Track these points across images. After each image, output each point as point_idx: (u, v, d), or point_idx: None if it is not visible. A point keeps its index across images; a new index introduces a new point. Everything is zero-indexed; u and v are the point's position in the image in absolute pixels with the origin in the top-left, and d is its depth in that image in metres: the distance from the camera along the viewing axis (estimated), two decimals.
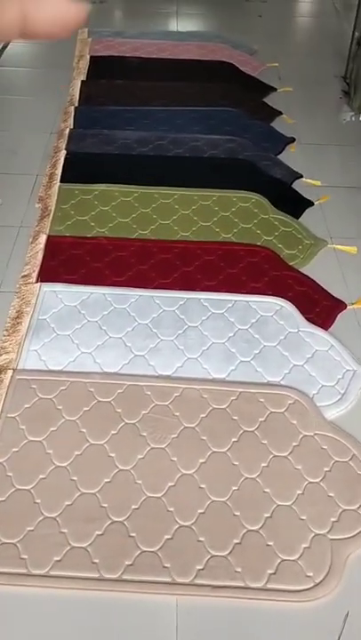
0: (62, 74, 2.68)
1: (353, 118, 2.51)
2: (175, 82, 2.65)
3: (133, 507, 1.19)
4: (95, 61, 2.79)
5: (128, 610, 1.08)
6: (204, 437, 1.31)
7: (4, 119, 2.40)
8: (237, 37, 3.08)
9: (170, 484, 1.23)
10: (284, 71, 2.79)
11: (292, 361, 1.49)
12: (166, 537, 1.15)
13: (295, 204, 1.99)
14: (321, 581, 1.11)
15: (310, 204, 1.99)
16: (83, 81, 2.61)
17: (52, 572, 1.10)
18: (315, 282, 1.70)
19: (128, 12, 3.54)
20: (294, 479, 1.24)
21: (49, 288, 1.64)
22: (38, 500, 1.19)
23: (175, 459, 1.27)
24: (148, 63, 2.81)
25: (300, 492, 1.23)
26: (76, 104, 2.45)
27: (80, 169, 2.08)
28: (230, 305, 1.61)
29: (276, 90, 2.64)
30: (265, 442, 1.31)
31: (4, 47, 2.90)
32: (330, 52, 3.00)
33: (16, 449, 1.27)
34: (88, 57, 2.82)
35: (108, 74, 2.69)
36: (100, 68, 2.74)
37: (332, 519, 1.19)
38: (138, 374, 1.44)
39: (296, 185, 2.08)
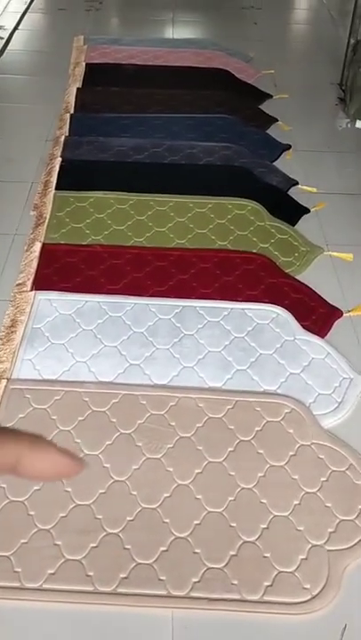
0: (58, 81, 2.68)
1: (349, 125, 2.51)
2: (171, 89, 2.65)
3: (128, 518, 1.18)
4: (91, 69, 2.79)
5: (123, 623, 1.06)
6: (200, 447, 1.30)
7: (0, 126, 2.40)
8: (233, 45, 3.08)
9: (165, 494, 1.22)
10: (280, 78, 2.79)
11: (289, 369, 1.48)
12: (162, 549, 1.14)
13: (291, 212, 1.98)
14: (318, 593, 1.09)
15: (306, 211, 1.99)
16: (78, 88, 2.61)
17: (45, 586, 1.09)
18: (311, 289, 1.69)
19: (124, 20, 3.55)
20: (291, 489, 1.23)
21: (44, 296, 1.63)
22: (32, 512, 1.18)
23: (171, 469, 1.26)
24: (143, 70, 2.81)
25: (296, 502, 1.21)
26: (72, 111, 2.45)
27: (75, 176, 2.08)
28: (226, 313, 1.60)
29: (271, 97, 2.64)
30: (261, 451, 1.29)
31: (0, 54, 2.90)
32: (325, 59, 3.00)
33: None
34: (84, 64, 2.82)
35: (103, 81, 2.69)
36: (96, 75, 2.74)
37: (330, 530, 1.17)
38: (133, 383, 1.43)
39: (292, 192, 2.08)
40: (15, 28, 3.18)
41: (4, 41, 3.02)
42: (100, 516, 1.18)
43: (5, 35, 3.09)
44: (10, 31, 3.13)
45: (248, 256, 1.78)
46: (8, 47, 2.99)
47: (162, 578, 1.10)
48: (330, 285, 1.72)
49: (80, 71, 2.76)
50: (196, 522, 1.17)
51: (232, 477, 1.25)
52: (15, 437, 0.36)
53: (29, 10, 3.41)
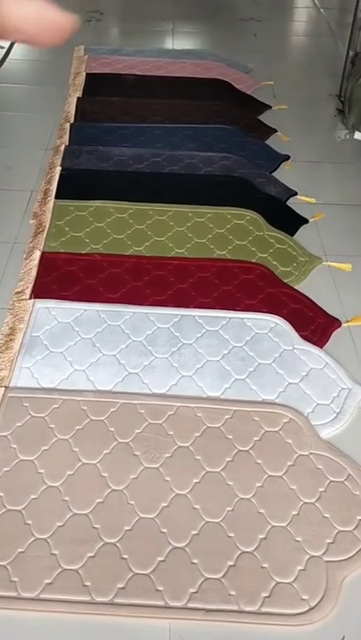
0: (58, 91, 2.69)
1: (347, 136, 2.52)
2: (171, 99, 2.66)
3: (126, 528, 1.17)
4: (91, 78, 2.80)
5: (120, 634, 1.05)
6: (198, 457, 1.29)
7: (0, 135, 2.41)
8: (232, 56, 3.10)
9: (163, 504, 1.21)
10: (279, 89, 2.81)
11: (287, 379, 1.48)
12: (159, 559, 1.13)
13: (290, 222, 1.99)
14: (316, 605, 1.09)
15: (305, 221, 1.99)
16: (79, 98, 2.63)
17: (42, 595, 1.08)
18: (310, 299, 1.69)
19: (124, 30, 3.57)
20: (289, 500, 1.23)
21: (42, 305, 1.63)
22: (29, 521, 1.17)
23: (169, 478, 1.25)
24: (143, 80, 2.83)
25: (295, 512, 1.21)
26: (72, 121, 2.46)
27: (75, 185, 2.08)
28: (225, 322, 1.61)
29: (270, 108, 2.66)
30: (260, 461, 1.29)
31: (0, 65, 2.92)
32: (324, 70, 3.03)
33: (7, 468, 1.26)
34: (84, 74, 2.83)
35: (103, 91, 2.70)
36: (96, 85, 2.76)
37: (328, 541, 1.17)
38: (131, 392, 1.43)
39: (291, 202, 2.08)
40: None
41: (4, 50, 3.04)
42: (97, 526, 1.17)
43: (6, 44, 3.11)
44: (11, 41, 3.15)
45: (247, 266, 1.78)
46: (9, 57, 3.01)
47: (159, 588, 1.09)
48: (328, 295, 1.72)
49: (80, 81, 2.77)
50: (193, 532, 1.17)
51: (230, 487, 1.24)
52: None
53: None
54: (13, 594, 1.08)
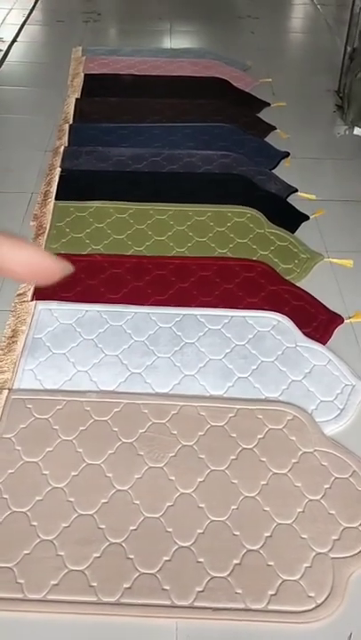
0: (57, 92, 2.69)
1: (347, 132, 2.52)
2: (169, 98, 2.66)
3: (131, 528, 1.17)
4: (90, 79, 2.81)
5: (127, 634, 1.05)
6: (203, 456, 1.29)
7: (0, 137, 2.41)
8: (230, 54, 3.10)
9: (168, 503, 1.21)
10: (278, 86, 2.81)
11: (291, 376, 1.48)
12: (165, 558, 1.13)
13: (291, 219, 1.99)
14: (323, 602, 1.08)
15: (306, 218, 1.99)
16: (77, 99, 2.63)
17: (49, 597, 1.08)
18: (311, 296, 1.69)
19: (122, 31, 3.57)
20: (294, 497, 1.23)
21: (44, 306, 1.63)
22: (35, 523, 1.17)
23: (173, 478, 1.25)
24: (142, 80, 2.83)
25: (300, 510, 1.21)
26: (71, 122, 2.46)
27: (75, 186, 2.08)
28: (227, 321, 1.60)
29: (269, 105, 2.65)
30: (264, 459, 1.29)
31: None
32: (323, 66, 3.02)
33: (12, 470, 1.26)
34: (82, 75, 2.83)
35: (102, 91, 2.70)
36: (95, 85, 2.76)
37: (334, 537, 1.17)
38: (135, 392, 1.43)
39: (291, 199, 2.08)
40: (14, 40, 3.20)
41: (2, 53, 3.04)
42: (102, 526, 1.17)
43: (4, 47, 3.11)
44: (9, 43, 3.16)
45: (248, 263, 1.78)
46: (7, 59, 3.01)
47: (165, 587, 1.09)
48: (330, 292, 1.72)
49: (79, 82, 2.77)
50: (199, 531, 1.17)
51: (235, 486, 1.24)
52: None
53: (28, 22, 3.44)
54: (20, 595, 1.08)
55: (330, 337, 1.58)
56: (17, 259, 0.35)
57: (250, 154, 2.28)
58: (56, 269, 0.37)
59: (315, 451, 1.31)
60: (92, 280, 1.72)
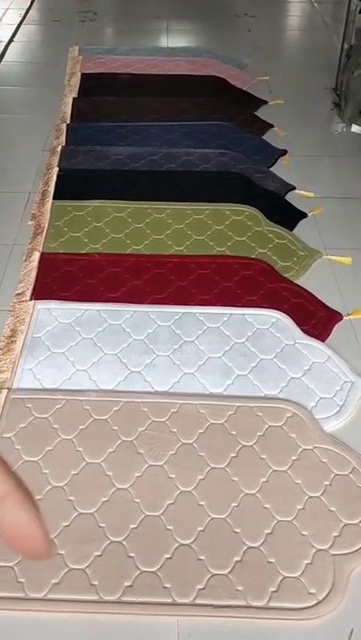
0: (54, 91, 2.69)
1: (344, 130, 2.52)
2: (166, 97, 2.66)
3: (132, 526, 1.17)
4: (86, 78, 2.80)
5: (128, 632, 1.06)
6: (203, 453, 1.29)
7: None
8: (227, 52, 3.10)
9: (169, 501, 1.21)
10: (275, 84, 2.81)
11: (290, 373, 1.48)
12: (166, 556, 1.13)
13: (289, 216, 1.99)
14: (324, 598, 1.08)
15: (304, 215, 1.99)
16: (74, 98, 2.63)
17: (50, 596, 1.08)
18: (310, 293, 1.69)
19: (118, 30, 3.57)
20: (294, 494, 1.23)
21: (43, 306, 1.63)
22: None
23: (173, 476, 1.25)
24: (139, 79, 2.82)
25: (300, 506, 1.21)
26: (68, 121, 2.46)
27: (73, 186, 2.08)
28: (226, 319, 1.60)
29: (267, 103, 2.65)
30: (264, 456, 1.29)
31: None
32: (320, 64, 3.02)
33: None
34: (79, 74, 2.83)
35: (99, 90, 2.70)
36: (92, 84, 2.76)
37: (334, 534, 1.17)
38: (134, 391, 1.43)
39: (289, 197, 2.08)
40: (10, 40, 3.20)
41: None
42: (103, 525, 1.17)
43: (1, 46, 3.11)
44: (5, 43, 3.15)
45: (247, 261, 1.78)
46: (4, 59, 3.01)
47: (166, 585, 1.09)
48: (329, 289, 1.72)
49: (76, 81, 2.77)
50: (199, 528, 1.17)
51: (235, 483, 1.24)
52: (8, 475, 0.34)
53: (24, 22, 3.44)
54: (21, 595, 1.08)
55: (329, 334, 1.59)
56: (11, 522, 0.34)
57: (248, 152, 2.28)
58: (39, 549, 0.35)
59: (315, 448, 1.31)
60: (91, 279, 1.72)
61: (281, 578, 1.11)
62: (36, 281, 1.70)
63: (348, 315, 1.63)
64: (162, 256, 1.80)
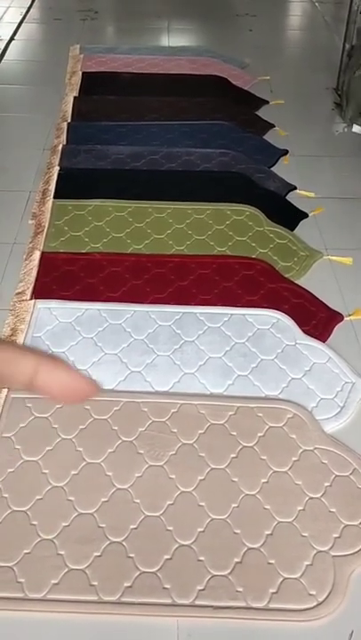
0: (55, 90, 2.69)
1: (345, 129, 2.52)
2: (167, 96, 2.66)
3: (132, 526, 1.17)
4: (87, 77, 2.80)
5: (128, 633, 1.05)
6: (203, 454, 1.29)
7: None
8: (228, 52, 3.10)
9: (168, 502, 1.21)
10: (276, 84, 2.80)
11: (290, 374, 1.47)
12: (166, 557, 1.13)
13: (290, 216, 1.99)
14: (324, 600, 1.08)
15: (305, 215, 1.99)
16: (75, 97, 2.62)
17: (49, 596, 1.08)
18: (311, 294, 1.69)
19: (119, 29, 3.57)
20: (295, 495, 1.23)
21: (43, 305, 1.62)
22: (35, 522, 1.17)
23: (173, 476, 1.25)
24: (140, 78, 2.82)
25: (300, 507, 1.21)
26: (69, 120, 2.46)
27: (73, 185, 2.08)
28: (226, 319, 1.60)
29: (268, 103, 2.65)
30: (264, 457, 1.29)
31: None
32: (321, 64, 3.02)
33: (12, 469, 1.25)
34: (80, 73, 2.83)
35: (100, 90, 2.70)
36: (93, 83, 2.75)
37: (334, 535, 1.16)
38: (134, 391, 1.42)
39: (290, 197, 2.08)
40: (11, 39, 3.19)
41: (0, 51, 3.04)
42: (103, 525, 1.17)
43: (2, 45, 3.10)
44: (6, 41, 3.15)
45: (247, 261, 1.78)
46: (4, 57, 3.00)
47: (166, 586, 1.09)
48: (330, 289, 1.71)
49: (76, 80, 2.77)
50: (199, 529, 1.17)
51: (235, 484, 1.24)
52: (33, 351, 0.37)
53: (25, 20, 3.43)
54: (20, 595, 1.08)
55: (330, 334, 1.58)
56: (53, 380, 0.37)
57: (249, 152, 2.28)
58: (89, 392, 0.38)
59: (315, 448, 1.31)
60: (92, 278, 1.72)
61: (281, 579, 1.10)
62: (36, 280, 1.70)
63: (349, 315, 1.63)
64: (162, 256, 1.80)
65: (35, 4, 3.65)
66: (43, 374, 0.36)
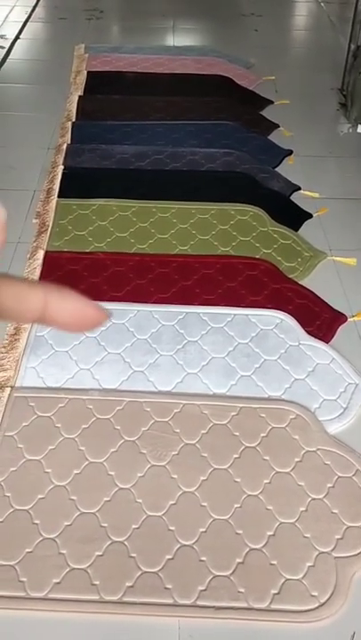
0: (59, 89, 2.69)
1: (350, 130, 2.51)
2: (172, 96, 2.65)
3: (134, 526, 1.17)
4: (92, 77, 2.80)
5: (129, 633, 1.05)
6: (205, 454, 1.29)
7: (1, 135, 2.40)
8: (234, 51, 3.09)
9: (171, 502, 1.21)
10: (281, 84, 2.80)
11: (294, 375, 1.47)
12: (167, 557, 1.13)
13: (294, 217, 1.98)
14: (326, 601, 1.08)
15: (309, 216, 1.98)
16: (80, 96, 2.62)
17: (51, 595, 1.08)
18: (315, 294, 1.68)
19: (124, 28, 3.57)
20: (297, 496, 1.22)
21: None
22: (37, 521, 1.17)
23: (176, 476, 1.25)
24: (144, 78, 2.82)
25: (303, 509, 1.20)
26: (74, 119, 2.45)
27: (78, 184, 2.08)
28: (230, 319, 1.60)
29: (273, 103, 2.65)
30: (267, 458, 1.28)
31: (1, 64, 2.91)
32: (326, 64, 3.01)
33: (14, 468, 1.25)
34: (85, 72, 2.83)
35: (105, 89, 2.70)
36: (98, 83, 2.75)
37: (337, 536, 1.16)
38: (137, 390, 1.42)
39: (294, 197, 2.07)
40: (17, 38, 3.20)
41: (5, 50, 3.04)
42: (105, 525, 1.17)
43: (7, 44, 3.11)
44: (11, 40, 3.15)
45: (251, 262, 1.78)
46: (9, 56, 3.00)
47: (168, 586, 1.09)
48: (334, 290, 1.71)
49: (81, 79, 2.77)
50: (201, 529, 1.17)
51: (237, 484, 1.24)
52: (38, 282, 0.37)
53: (30, 19, 3.43)
54: (22, 594, 1.08)
55: (333, 335, 1.58)
56: (62, 308, 0.37)
57: (253, 152, 2.28)
58: (100, 317, 0.38)
59: (318, 449, 1.30)
60: (95, 278, 1.72)
61: (283, 580, 1.10)
62: (40, 279, 1.70)
63: (353, 316, 1.62)
64: (166, 255, 1.80)
65: (40, 3, 3.65)
66: (53, 305, 0.36)
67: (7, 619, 1.06)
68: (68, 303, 0.36)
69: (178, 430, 1.33)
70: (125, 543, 1.14)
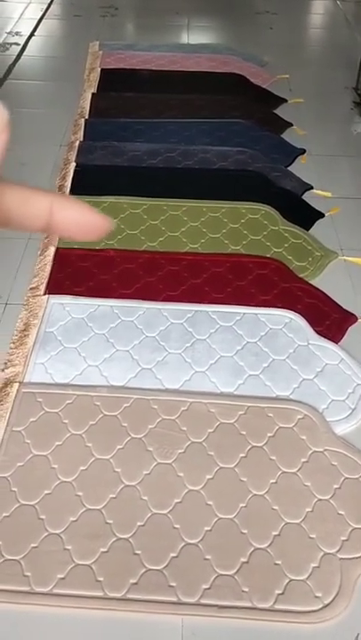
0: (73, 86, 2.69)
1: None
2: (186, 94, 2.65)
3: (139, 523, 1.17)
4: (106, 74, 2.80)
5: (133, 630, 1.05)
6: (212, 453, 1.29)
7: (15, 131, 2.38)
8: (248, 49, 3.08)
9: (176, 500, 1.21)
10: (295, 83, 2.78)
11: (302, 375, 1.46)
12: (172, 555, 1.13)
13: (305, 216, 1.97)
14: (330, 602, 1.08)
15: (321, 215, 1.97)
16: (93, 93, 2.63)
17: (55, 590, 1.08)
18: (325, 294, 1.68)
19: (139, 26, 3.56)
20: (303, 496, 1.22)
21: (56, 300, 1.63)
22: (43, 516, 1.18)
23: (182, 474, 1.25)
24: (158, 75, 2.82)
25: (309, 509, 1.20)
26: (87, 116, 2.46)
27: (89, 181, 2.08)
28: (239, 318, 1.60)
29: (286, 101, 2.63)
30: (273, 457, 1.28)
31: (16, 61, 2.92)
32: (341, 63, 2.99)
33: (21, 463, 1.26)
34: (99, 70, 2.83)
35: (118, 86, 2.70)
36: (111, 80, 2.75)
37: (342, 538, 1.16)
38: (145, 388, 1.42)
39: (306, 196, 2.06)
40: (31, 34, 3.20)
41: (20, 47, 3.05)
42: (110, 521, 1.17)
43: (22, 41, 3.12)
44: (26, 37, 3.16)
45: (261, 260, 1.77)
46: (24, 53, 3.01)
47: (172, 584, 1.09)
48: (344, 290, 1.70)
49: (95, 76, 2.77)
50: (206, 528, 1.16)
51: (243, 483, 1.24)
52: (43, 189, 0.37)
53: (46, 16, 3.44)
54: (26, 588, 1.08)
55: (343, 336, 1.57)
56: (65, 216, 0.37)
57: (266, 150, 2.27)
58: (101, 226, 0.38)
59: (325, 450, 1.30)
60: (105, 275, 1.72)
61: (287, 580, 1.10)
62: (50, 275, 1.70)
63: None
64: (176, 253, 1.79)
65: (55, 0, 3.66)
66: (59, 212, 0.36)
67: (11, 613, 1.07)
68: (74, 210, 0.37)
69: (185, 428, 1.33)
70: (130, 540, 1.15)
